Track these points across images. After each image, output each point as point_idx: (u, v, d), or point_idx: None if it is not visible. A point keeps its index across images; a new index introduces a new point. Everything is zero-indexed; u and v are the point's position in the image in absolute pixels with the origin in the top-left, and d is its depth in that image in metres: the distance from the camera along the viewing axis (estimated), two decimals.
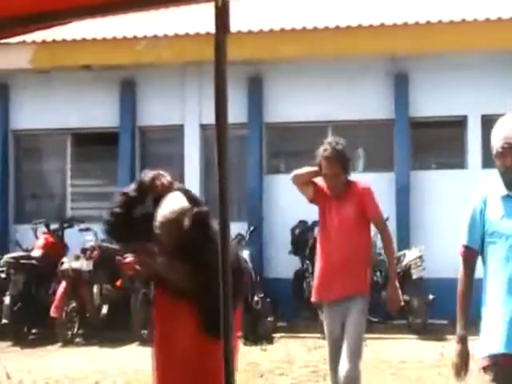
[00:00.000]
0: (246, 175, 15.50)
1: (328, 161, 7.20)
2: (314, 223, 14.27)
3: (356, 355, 7.55)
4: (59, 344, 13.33)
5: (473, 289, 5.23)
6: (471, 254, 5.27)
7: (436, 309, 13.19)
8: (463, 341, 5.10)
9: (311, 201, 7.87)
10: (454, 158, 15.43)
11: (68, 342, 13.44)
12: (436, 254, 13.20)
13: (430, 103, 15.43)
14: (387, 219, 14.40)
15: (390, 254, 8.07)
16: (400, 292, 8.12)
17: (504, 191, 5.11)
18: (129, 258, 13.69)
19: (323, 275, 7.67)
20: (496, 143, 5.05)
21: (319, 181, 7.58)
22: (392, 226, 14.69)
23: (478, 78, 15.08)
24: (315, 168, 7.49)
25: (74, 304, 13.65)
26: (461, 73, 15.17)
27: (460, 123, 15.48)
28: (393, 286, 7.90)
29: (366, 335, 13.12)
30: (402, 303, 13.44)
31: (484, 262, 5.22)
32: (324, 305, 7.94)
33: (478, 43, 14.71)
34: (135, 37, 15.12)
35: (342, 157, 7.30)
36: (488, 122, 14.72)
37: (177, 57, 15.06)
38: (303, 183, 7.75)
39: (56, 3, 3.58)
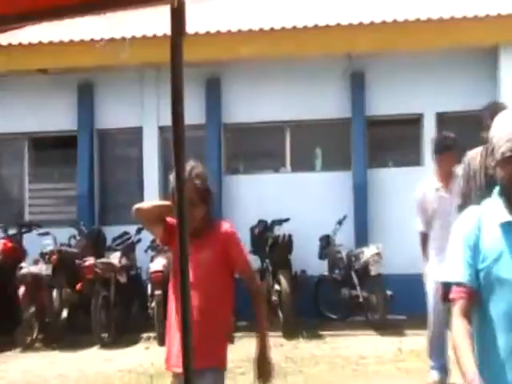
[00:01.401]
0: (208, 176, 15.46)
1: None
2: (274, 222, 14.44)
3: None
4: (18, 349, 13.30)
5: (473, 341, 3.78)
6: (470, 297, 3.71)
7: (394, 304, 13.29)
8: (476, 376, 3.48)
9: (162, 243, 6.41)
10: (410, 156, 15.57)
11: (27, 347, 13.38)
12: (394, 250, 13.27)
13: (386, 102, 15.56)
14: (345, 218, 14.59)
15: (259, 312, 5.85)
16: (271, 364, 5.82)
17: (505, 216, 3.69)
18: (88, 261, 13.76)
19: (169, 340, 5.86)
20: (500, 146, 3.64)
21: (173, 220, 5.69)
22: (350, 223, 14.93)
23: (433, 76, 15.22)
24: (166, 202, 5.92)
25: (33, 309, 13.51)
26: (416, 71, 15.33)
27: (416, 121, 15.64)
28: (263, 355, 5.70)
29: (326, 332, 13.34)
30: (361, 299, 13.72)
31: (477, 313, 3.78)
32: (172, 376, 5.86)
33: (433, 42, 14.86)
34: (92, 40, 15.04)
35: (201, 184, 5.68)
36: (443, 119, 14.91)
37: (134, 59, 15.00)
38: (150, 222, 6.02)
39: (11, 7, 3.58)
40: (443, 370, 9.83)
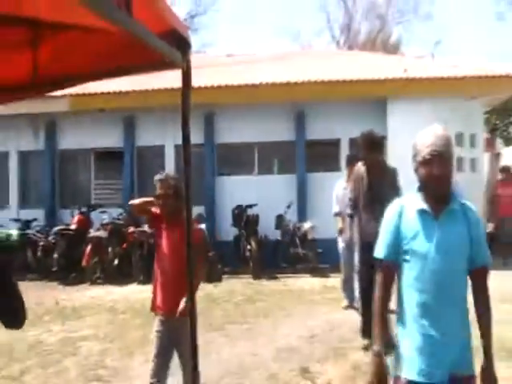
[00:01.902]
0: (204, 177, 15.56)
1: (161, 182, 5.21)
2: (247, 206, 14.47)
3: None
4: (88, 283, 13.42)
5: (389, 305, 3.47)
6: (390, 269, 3.40)
7: (322, 257, 13.36)
8: (379, 355, 3.31)
9: (149, 227, 5.45)
10: (333, 165, 15.45)
11: (93, 282, 13.51)
12: (322, 223, 13.23)
13: (318, 130, 15.59)
14: (292, 203, 14.65)
15: (196, 274, 4.56)
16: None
17: (421, 205, 3.34)
18: (130, 229, 13.80)
19: (155, 294, 5.31)
20: (422, 150, 3.28)
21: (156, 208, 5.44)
22: (295, 207, 14.99)
23: (347, 115, 15.30)
24: (150, 198, 5.45)
25: (96, 258, 13.70)
26: (337, 112, 15.42)
27: (337, 143, 15.65)
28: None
29: (280, 275, 13.39)
30: (301, 255, 13.77)
31: (398, 278, 3.42)
32: (156, 318, 5.31)
33: (347, 94, 14.99)
34: (133, 90, 15.12)
35: (175, 184, 5.20)
36: (353, 142, 14.94)
37: (159, 103, 14.93)
38: (139, 212, 5.71)
39: (79, 71, 3.59)
40: (352, 298, 9.90)
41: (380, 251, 3.44)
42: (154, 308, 5.35)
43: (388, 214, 3.47)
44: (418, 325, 3.29)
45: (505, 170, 15.55)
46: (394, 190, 7.14)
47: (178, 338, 4.99)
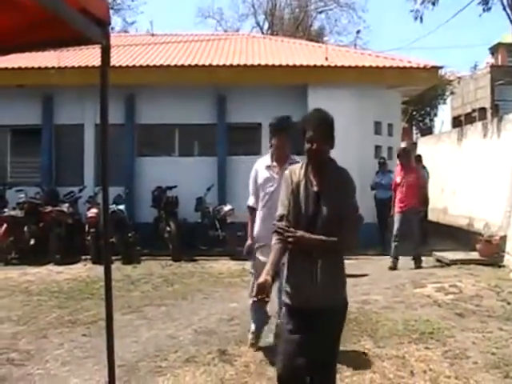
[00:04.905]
0: (124, 157, 15.32)
1: None
2: (167, 188, 14.35)
3: None
4: (2, 264, 12.93)
5: None
6: None
7: (241, 241, 13.24)
8: None
9: None
10: (253, 149, 15.35)
11: (8, 263, 13.03)
12: (242, 207, 13.21)
13: (240, 114, 15.60)
14: (212, 186, 14.63)
15: None
16: None
17: None
18: (48, 209, 13.44)
19: None
20: None
21: None
22: (215, 190, 14.99)
23: (269, 100, 15.23)
24: None
25: (11, 238, 13.18)
26: (258, 97, 15.43)
27: (257, 127, 15.59)
28: None
29: (199, 258, 13.33)
30: (221, 237, 13.75)
31: None
32: None
33: (269, 80, 15.12)
34: (53, 67, 14.83)
35: None
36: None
37: (80, 80, 14.46)
38: None
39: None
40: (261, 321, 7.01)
41: None
42: None
43: None
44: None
45: (417, 159, 16.08)
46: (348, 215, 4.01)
47: None
